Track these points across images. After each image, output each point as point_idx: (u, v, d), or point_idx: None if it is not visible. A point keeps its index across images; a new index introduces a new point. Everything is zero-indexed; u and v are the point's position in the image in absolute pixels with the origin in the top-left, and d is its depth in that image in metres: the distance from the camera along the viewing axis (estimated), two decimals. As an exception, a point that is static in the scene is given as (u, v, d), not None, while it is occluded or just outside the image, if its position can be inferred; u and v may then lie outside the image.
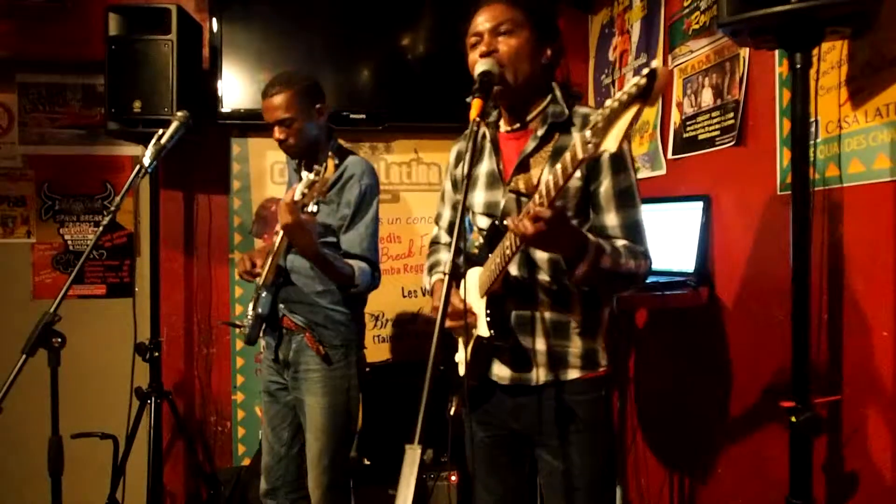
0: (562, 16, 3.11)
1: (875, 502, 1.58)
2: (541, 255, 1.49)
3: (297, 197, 1.84)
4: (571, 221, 1.37)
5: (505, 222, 1.36)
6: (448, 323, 1.48)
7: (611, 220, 1.46)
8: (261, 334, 2.23)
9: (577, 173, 1.21)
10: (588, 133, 1.10)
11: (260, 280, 2.17)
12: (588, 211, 1.49)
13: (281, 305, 2.16)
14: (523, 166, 1.50)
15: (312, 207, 1.85)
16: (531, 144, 1.48)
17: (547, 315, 1.49)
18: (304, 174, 1.86)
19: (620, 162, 1.45)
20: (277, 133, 2.09)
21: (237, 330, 2.29)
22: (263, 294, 2.15)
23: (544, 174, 1.45)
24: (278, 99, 2.07)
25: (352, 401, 2.16)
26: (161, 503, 2.65)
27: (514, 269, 1.49)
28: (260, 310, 2.14)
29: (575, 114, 1.49)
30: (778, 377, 1.88)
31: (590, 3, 3.14)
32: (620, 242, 1.44)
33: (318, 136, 2.16)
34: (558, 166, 1.19)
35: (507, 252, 1.36)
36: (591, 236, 1.36)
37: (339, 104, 2.99)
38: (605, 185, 1.45)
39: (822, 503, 1.66)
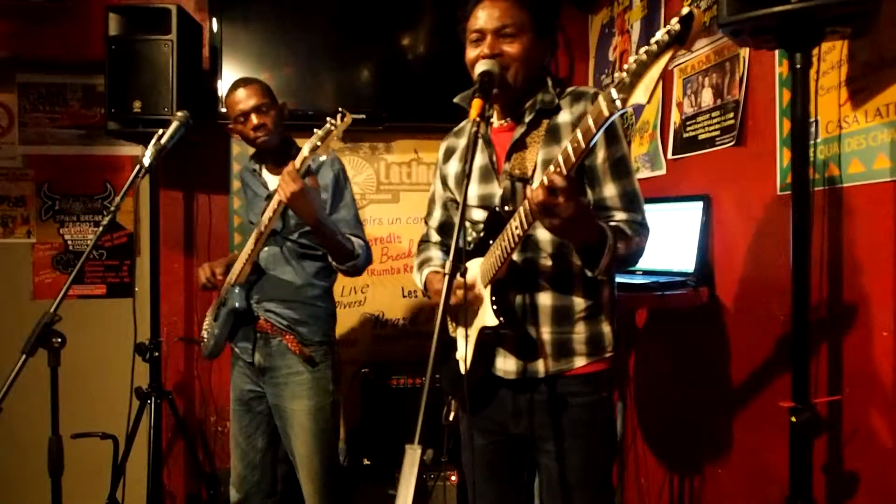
0: (562, 16, 3.12)
1: (875, 502, 1.58)
2: (543, 238, 1.48)
3: (307, 152, 1.85)
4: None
5: (508, 207, 1.33)
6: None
7: (609, 190, 1.46)
8: (228, 342, 2.21)
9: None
10: (613, 91, 1.09)
11: (231, 279, 2.15)
12: (585, 190, 1.48)
13: (255, 305, 2.13)
14: (515, 151, 1.49)
15: (324, 156, 1.91)
16: (520, 130, 1.49)
17: (549, 300, 1.49)
18: (315, 132, 1.85)
19: (613, 133, 1.45)
20: (255, 119, 2.08)
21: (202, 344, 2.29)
22: (237, 290, 2.12)
23: (539, 155, 1.45)
24: (251, 89, 2.09)
25: (335, 401, 2.17)
26: (161, 503, 2.65)
27: (515, 255, 1.47)
28: (237, 304, 2.11)
29: (562, 95, 1.50)
30: (778, 377, 1.88)
31: (590, 3, 3.14)
32: (621, 216, 1.45)
33: (283, 134, 2.18)
34: (578, 132, 1.16)
35: (517, 232, 1.34)
36: (605, 225, 1.35)
37: (339, 104, 2.97)
38: (601, 157, 1.45)
39: (822, 503, 1.66)
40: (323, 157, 1.98)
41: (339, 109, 1.87)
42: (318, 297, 2.15)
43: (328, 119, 1.85)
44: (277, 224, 2.09)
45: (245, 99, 2.08)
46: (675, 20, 1.01)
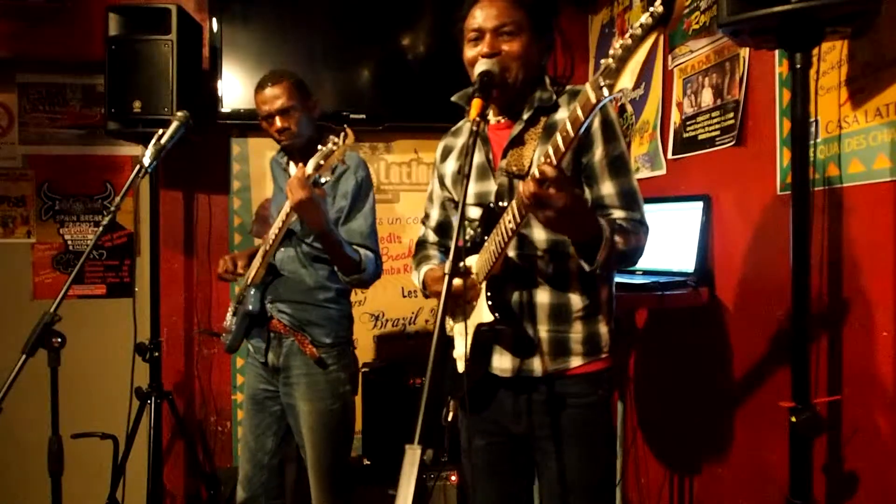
0: (562, 15, 3.12)
1: (875, 502, 1.58)
2: (538, 236, 1.48)
3: (310, 170, 1.83)
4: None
5: (502, 203, 1.33)
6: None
7: (606, 188, 1.45)
8: (245, 339, 2.20)
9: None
10: (600, 78, 1.08)
11: (248, 279, 2.15)
12: (583, 189, 1.47)
13: (269, 305, 2.13)
14: (512, 147, 1.49)
15: (326, 178, 1.87)
16: (518, 126, 1.48)
17: (546, 298, 1.48)
18: (320, 149, 1.84)
19: (611, 131, 1.44)
20: (279, 122, 2.05)
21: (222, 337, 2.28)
22: (252, 292, 2.13)
23: (536, 152, 1.44)
24: (278, 88, 2.06)
25: (347, 403, 2.14)
26: (161, 503, 2.65)
27: (511, 251, 1.47)
28: (250, 307, 2.11)
29: (561, 93, 1.49)
30: (778, 377, 1.88)
31: (590, 3, 3.14)
32: (619, 214, 1.44)
33: (314, 130, 2.13)
34: (567, 122, 1.16)
35: (510, 227, 1.33)
36: (602, 220, 1.34)
37: (339, 104, 2.99)
38: (598, 155, 1.44)
39: (822, 503, 1.66)
40: (325, 179, 1.94)
41: (344, 128, 1.83)
42: (330, 300, 2.13)
43: (331, 138, 1.83)
44: (295, 225, 2.08)
45: (271, 100, 2.05)
46: (658, 2, 1.01)
